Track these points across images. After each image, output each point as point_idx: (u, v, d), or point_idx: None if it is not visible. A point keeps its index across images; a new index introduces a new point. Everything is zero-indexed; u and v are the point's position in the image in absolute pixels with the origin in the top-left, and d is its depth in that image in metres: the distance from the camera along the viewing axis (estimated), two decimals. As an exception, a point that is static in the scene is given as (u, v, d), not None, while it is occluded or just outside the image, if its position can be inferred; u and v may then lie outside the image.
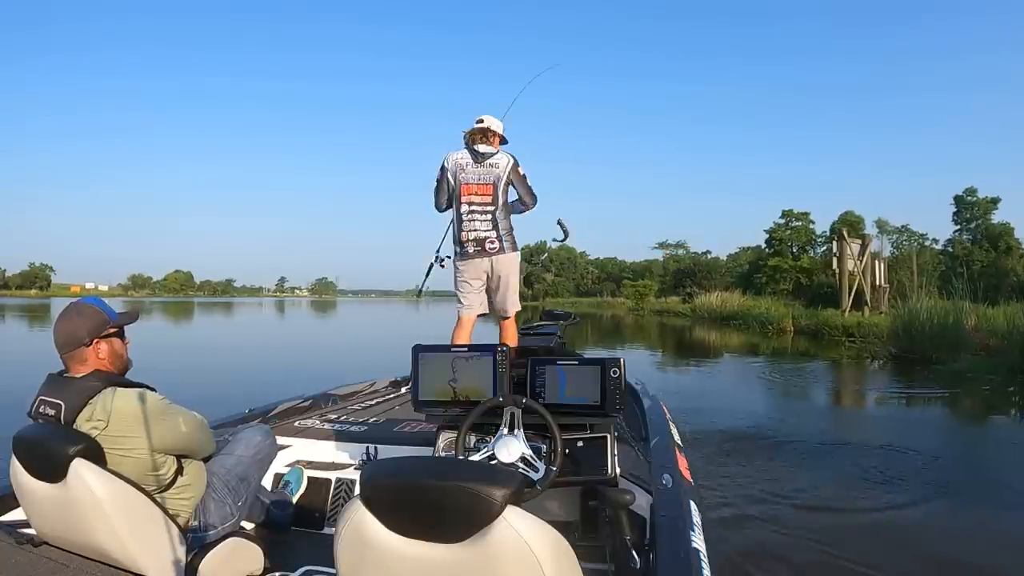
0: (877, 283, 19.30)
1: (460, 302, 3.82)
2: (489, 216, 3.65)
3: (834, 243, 19.27)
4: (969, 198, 36.08)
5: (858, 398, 8.53)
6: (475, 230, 3.64)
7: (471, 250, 3.67)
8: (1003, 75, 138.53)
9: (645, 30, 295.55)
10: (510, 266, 3.76)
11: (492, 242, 3.65)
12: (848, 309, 18.24)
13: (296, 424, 3.01)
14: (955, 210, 36.83)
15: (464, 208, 3.64)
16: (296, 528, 2.38)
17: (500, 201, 3.67)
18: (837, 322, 17.34)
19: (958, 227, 37.08)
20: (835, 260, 18.98)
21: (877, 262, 19.65)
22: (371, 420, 3.13)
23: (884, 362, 11.27)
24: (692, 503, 1.86)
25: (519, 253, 3.82)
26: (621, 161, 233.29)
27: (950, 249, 36.24)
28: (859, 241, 19.46)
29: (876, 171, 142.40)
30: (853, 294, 18.46)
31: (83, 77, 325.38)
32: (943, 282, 14.58)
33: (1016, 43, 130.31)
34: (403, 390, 3.94)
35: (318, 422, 3.06)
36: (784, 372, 10.83)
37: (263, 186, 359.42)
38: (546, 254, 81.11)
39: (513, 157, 3.75)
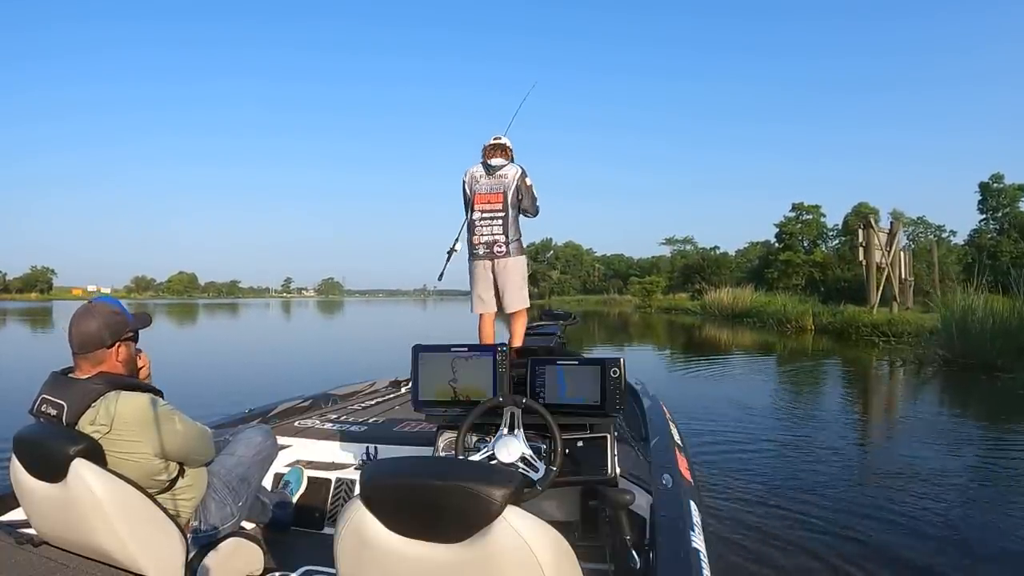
0: (903, 277, 17.67)
1: (475, 300, 4.05)
2: (500, 222, 3.91)
3: (860, 232, 17.51)
4: (995, 185, 33.94)
5: (949, 432, 5.83)
6: (486, 235, 3.92)
7: (481, 252, 3.95)
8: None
9: (649, 28, 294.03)
10: (514, 268, 3.99)
11: (500, 246, 3.91)
12: (876, 305, 16.58)
13: (296, 424, 2.99)
14: (980, 198, 34.72)
15: (477, 215, 3.93)
16: (296, 528, 2.37)
17: (510, 208, 3.92)
18: (865, 319, 15.87)
19: (984, 216, 34.98)
20: (861, 251, 17.29)
21: (903, 254, 18.04)
22: (371, 420, 3.11)
23: (936, 368, 9.54)
24: (692, 503, 1.83)
25: (525, 256, 4.07)
26: (627, 158, 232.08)
27: (976, 239, 34.25)
28: (886, 231, 17.78)
29: (887, 165, 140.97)
30: (881, 289, 16.81)
31: (83, 79, 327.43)
32: (967, 275, 13.17)
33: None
34: (403, 390, 3.92)
35: (318, 422, 3.03)
36: (823, 382, 9.35)
37: (267, 187, 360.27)
38: (552, 251, 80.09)
39: (522, 168, 4.02)
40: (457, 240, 4.17)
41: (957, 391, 8.34)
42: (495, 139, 4.10)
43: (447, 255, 4.21)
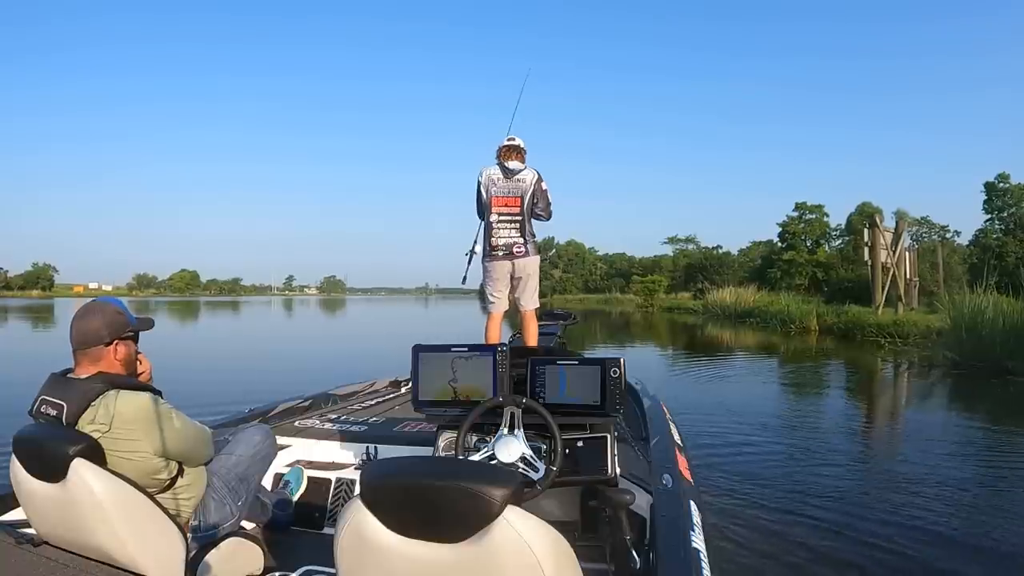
0: (908, 277, 17.56)
1: (490, 299, 4.15)
2: (517, 225, 4.00)
3: (865, 231, 17.37)
4: (1001, 184, 33.76)
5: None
6: (504, 237, 4.01)
7: (500, 254, 4.03)
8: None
9: (652, 26, 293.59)
10: (531, 267, 4.10)
11: (519, 247, 4.00)
12: (881, 305, 16.48)
13: (296, 424, 2.99)
14: (985, 198, 34.51)
15: (494, 217, 4.00)
16: (296, 528, 2.37)
17: (526, 211, 4.02)
18: (870, 320, 15.68)
19: (989, 216, 34.77)
20: (866, 251, 17.15)
21: (908, 254, 17.92)
22: (371, 420, 3.11)
23: (944, 371, 9.30)
24: (692, 503, 1.83)
25: (539, 256, 4.17)
26: (629, 156, 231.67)
27: (981, 239, 34.05)
28: (891, 231, 17.65)
29: (890, 165, 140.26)
30: (887, 289, 16.70)
31: (86, 74, 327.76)
32: (973, 275, 13.08)
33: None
34: (403, 390, 3.93)
35: (318, 422, 3.04)
36: (828, 385, 9.15)
37: (269, 184, 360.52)
38: (554, 250, 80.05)
39: (538, 172, 4.09)
40: (475, 242, 4.25)
41: (968, 395, 8.09)
42: (509, 140, 4.12)
43: (467, 258, 4.30)
